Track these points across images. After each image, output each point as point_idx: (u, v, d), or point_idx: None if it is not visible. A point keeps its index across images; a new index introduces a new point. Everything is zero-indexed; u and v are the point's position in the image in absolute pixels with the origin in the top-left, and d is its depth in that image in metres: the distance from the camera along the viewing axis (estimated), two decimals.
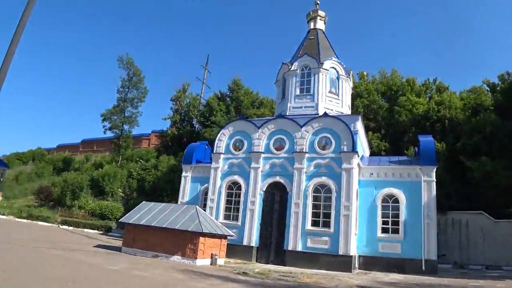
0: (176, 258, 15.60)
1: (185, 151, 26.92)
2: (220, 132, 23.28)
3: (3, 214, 34.21)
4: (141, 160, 42.26)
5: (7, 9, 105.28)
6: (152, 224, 16.59)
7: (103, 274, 9.98)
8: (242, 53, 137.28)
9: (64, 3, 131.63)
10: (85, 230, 30.50)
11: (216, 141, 23.03)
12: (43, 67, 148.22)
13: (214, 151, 22.81)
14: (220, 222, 19.76)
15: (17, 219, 33.23)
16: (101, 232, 30.24)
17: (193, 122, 46.17)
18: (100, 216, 32.96)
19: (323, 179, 19.52)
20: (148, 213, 17.76)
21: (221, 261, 16.76)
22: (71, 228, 30.86)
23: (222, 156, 22.44)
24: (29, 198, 42.15)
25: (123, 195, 38.92)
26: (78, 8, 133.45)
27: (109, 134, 47.92)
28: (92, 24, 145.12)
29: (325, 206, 19.27)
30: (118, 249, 17.80)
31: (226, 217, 21.48)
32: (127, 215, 18.66)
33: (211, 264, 15.68)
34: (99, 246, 19.05)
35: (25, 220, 32.75)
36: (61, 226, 31.26)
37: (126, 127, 46.87)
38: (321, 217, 19.14)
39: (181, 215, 16.84)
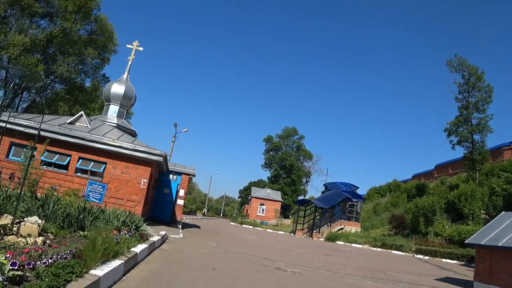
0: None
1: None
2: None
3: (360, 244, 33.55)
4: (504, 173, 33.50)
5: None
6: None
7: None
8: None
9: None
10: (443, 260, 25.37)
11: None
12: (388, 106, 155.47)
13: None
14: None
15: (372, 248, 31.77)
16: (462, 262, 24.24)
17: None
18: (460, 243, 26.96)
19: None
20: (510, 229, 11.38)
21: None
22: (426, 257, 26.45)
23: None
24: (385, 227, 40.77)
25: (486, 216, 31.30)
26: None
27: (459, 150, 41.41)
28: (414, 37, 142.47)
29: None
30: (470, 284, 12.12)
31: None
32: (476, 233, 12.77)
33: None
34: (445, 279, 13.80)
35: (379, 249, 30.79)
36: (416, 256, 27.40)
37: (476, 137, 39.10)
38: None
39: None
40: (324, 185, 78.21)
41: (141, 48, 24.37)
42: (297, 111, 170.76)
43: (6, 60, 25.08)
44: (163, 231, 14.37)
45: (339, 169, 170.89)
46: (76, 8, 27.97)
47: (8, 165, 15.86)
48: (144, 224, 11.22)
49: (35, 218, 6.48)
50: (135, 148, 16.21)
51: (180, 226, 21.51)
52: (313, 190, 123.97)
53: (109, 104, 22.97)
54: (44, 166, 16.15)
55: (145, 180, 16.30)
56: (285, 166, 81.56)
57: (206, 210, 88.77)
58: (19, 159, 16.35)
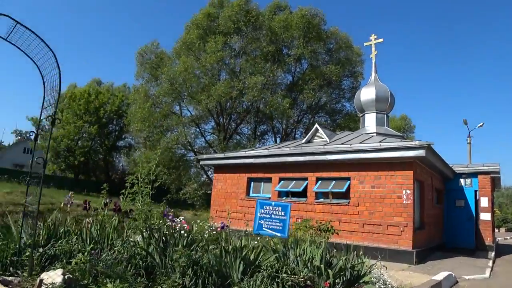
0: None
1: None
2: None
3: None
4: None
5: None
6: None
7: None
8: None
9: None
10: None
11: None
12: None
13: None
14: None
15: None
16: None
17: None
18: None
19: None
20: None
21: None
22: None
23: None
24: None
25: None
26: None
27: None
28: None
29: None
30: None
31: None
32: None
33: None
34: None
35: None
36: None
37: None
38: None
39: None
40: None
41: (380, 40, 20.24)
42: None
43: (250, 103, 25.66)
44: (447, 270, 8.77)
45: None
46: (301, 31, 26.86)
47: (249, 203, 14.10)
48: (381, 267, 6.05)
49: (57, 273, 3.98)
50: (381, 147, 11.42)
51: (492, 254, 14.30)
52: None
53: (364, 114, 19.22)
54: (284, 198, 13.42)
55: (408, 192, 11.04)
56: None
57: None
58: (258, 195, 14.40)
